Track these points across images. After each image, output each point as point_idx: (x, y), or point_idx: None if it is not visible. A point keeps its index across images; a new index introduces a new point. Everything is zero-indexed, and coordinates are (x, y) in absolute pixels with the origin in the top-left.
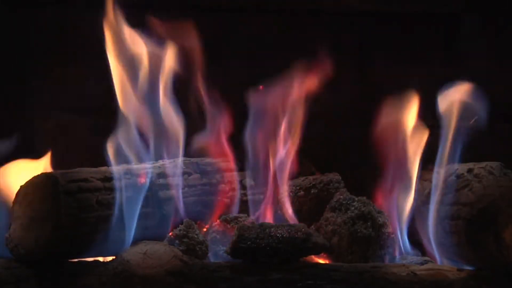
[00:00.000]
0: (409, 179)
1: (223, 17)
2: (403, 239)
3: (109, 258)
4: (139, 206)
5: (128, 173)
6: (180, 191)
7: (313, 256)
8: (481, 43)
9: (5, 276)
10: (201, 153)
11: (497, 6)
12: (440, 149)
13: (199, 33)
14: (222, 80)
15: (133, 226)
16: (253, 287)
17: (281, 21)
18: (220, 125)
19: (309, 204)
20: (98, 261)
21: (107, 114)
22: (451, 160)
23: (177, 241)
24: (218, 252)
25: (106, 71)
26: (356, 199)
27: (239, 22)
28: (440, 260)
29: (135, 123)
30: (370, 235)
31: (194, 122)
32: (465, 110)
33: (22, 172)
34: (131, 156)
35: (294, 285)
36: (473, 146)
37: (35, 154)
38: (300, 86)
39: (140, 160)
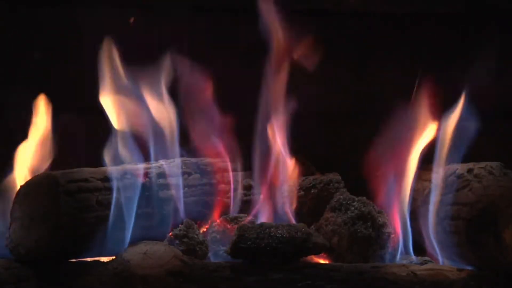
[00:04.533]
0: (407, 178)
1: (222, 17)
2: (406, 240)
3: (109, 258)
4: (135, 206)
5: (128, 173)
6: (181, 191)
7: (313, 256)
8: (481, 43)
9: (5, 276)
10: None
11: (497, 6)
12: (437, 149)
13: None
14: (220, 80)
15: (130, 226)
16: (253, 287)
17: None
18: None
19: (309, 204)
20: (98, 261)
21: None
22: (450, 160)
23: (177, 241)
24: (218, 252)
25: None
26: (356, 199)
27: (238, 22)
28: (440, 260)
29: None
30: (370, 235)
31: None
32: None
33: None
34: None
35: (294, 285)
36: (473, 146)
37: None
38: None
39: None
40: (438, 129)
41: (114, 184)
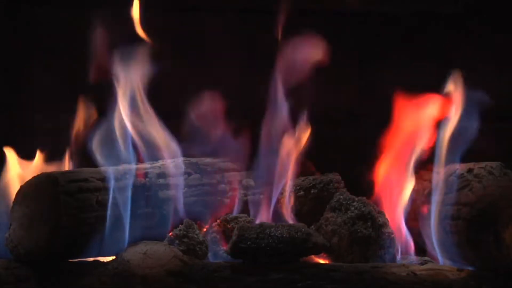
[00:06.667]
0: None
1: (223, 17)
2: (404, 238)
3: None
4: (129, 206)
5: (127, 173)
6: (181, 191)
7: (313, 256)
8: (481, 43)
9: (5, 276)
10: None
11: (497, 6)
12: (437, 149)
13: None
14: (220, 81)
15: (127, 227)
16: (253, 287)
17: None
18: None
19: (309, 204)
20: (98, 261)
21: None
22: (449, 160)
23: (177, 241)
24: (218, 252)
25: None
26: (356, 199)
27: (238, 22)
28: (440, 260)
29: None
30: (370, 235)
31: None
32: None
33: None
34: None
35: (294, 285)
36: (473, 146)
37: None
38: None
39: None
40: (438, 129)
41: (112, 184)
